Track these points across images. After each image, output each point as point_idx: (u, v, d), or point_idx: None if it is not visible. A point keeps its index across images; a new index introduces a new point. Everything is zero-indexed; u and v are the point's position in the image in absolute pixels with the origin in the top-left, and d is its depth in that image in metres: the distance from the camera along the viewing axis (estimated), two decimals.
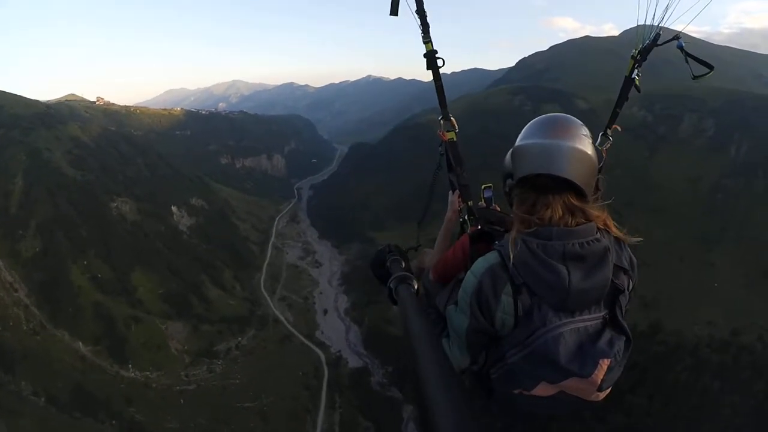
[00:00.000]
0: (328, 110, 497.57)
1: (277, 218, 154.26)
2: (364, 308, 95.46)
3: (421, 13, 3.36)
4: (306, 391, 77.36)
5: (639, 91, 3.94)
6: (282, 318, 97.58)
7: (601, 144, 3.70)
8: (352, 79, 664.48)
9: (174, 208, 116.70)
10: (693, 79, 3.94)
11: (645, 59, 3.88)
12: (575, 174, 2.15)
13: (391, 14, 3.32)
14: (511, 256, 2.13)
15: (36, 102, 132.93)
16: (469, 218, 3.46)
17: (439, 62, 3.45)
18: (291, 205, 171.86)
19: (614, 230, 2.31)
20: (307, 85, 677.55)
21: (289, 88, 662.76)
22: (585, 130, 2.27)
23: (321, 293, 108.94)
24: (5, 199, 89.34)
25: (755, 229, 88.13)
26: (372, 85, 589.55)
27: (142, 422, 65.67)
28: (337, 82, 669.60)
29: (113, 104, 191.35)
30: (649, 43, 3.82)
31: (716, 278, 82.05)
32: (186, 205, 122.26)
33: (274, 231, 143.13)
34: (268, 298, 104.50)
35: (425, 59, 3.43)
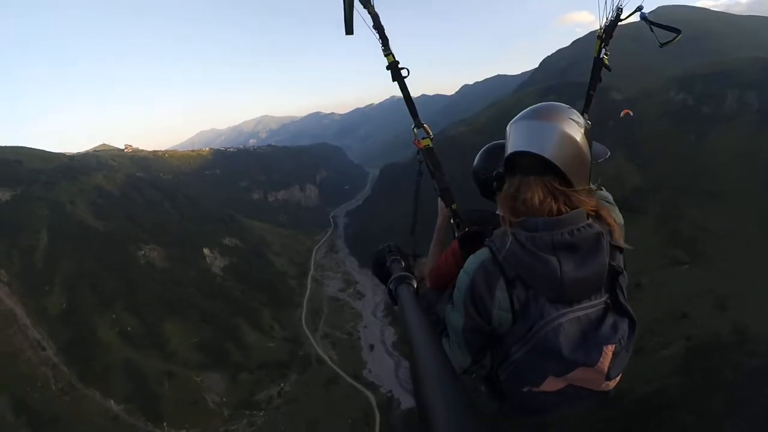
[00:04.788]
0: (356, 135, 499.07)
1: (315, 249, 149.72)
2: None
3: (378, 27, 3.19)
4: None
5: (609, 70, 3.78)
6: (326, 357, 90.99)
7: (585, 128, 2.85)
8: (376, 101, 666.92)
9: (206, 251, 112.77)
10: (660, 46, 3.97)
11: (611, 37, 3.73)
12: (557, 155, 2.12)
13: (346, 34, 3.21)
14: (501, 250, 2.11)
15: (58, 155, 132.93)
16: (454, 221, 3.27)
17: (404, 72, 3.27)
18: (328, 234, 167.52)
19: (608, 218, 2.24)
20: (332, 113, 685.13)
21: (316, 117, 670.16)
22: (574, 116, 2.22)
23: (365, 327, 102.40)
24: (30, 255, 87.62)
25: None
26: (396, 106, 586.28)
27: None
28: (362, 106, 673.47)
29: (141, 150, 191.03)
30: (612, 20, 3.65)
31: None
32: (218, 245, 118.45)
33: (312, 263, 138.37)
34: (310, 337, 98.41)
35: (389, 71, 3.27)
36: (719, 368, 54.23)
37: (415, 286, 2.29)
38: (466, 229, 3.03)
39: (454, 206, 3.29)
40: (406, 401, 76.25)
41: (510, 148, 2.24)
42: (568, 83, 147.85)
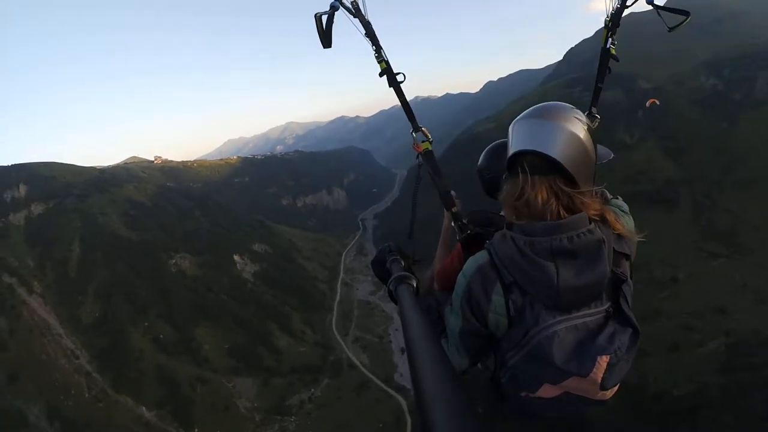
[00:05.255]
0: (382, 137, 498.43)
1: (344, 253, 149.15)
2: None
3: (371, 35, 3.27)
4: None
5: (617, 60, 3.66)
6: (357, 362, 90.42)
7: (589, 126, 2.75)
8: None
9: (236, 257, 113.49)
10: (669, 31, 3.61)
11: (618, 25, 3.59)
12: (562, 155, 2.09)
13: (324, 47, 3.25)
14: (500, 254, 2.09)
15: (89, 168, 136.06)
16: (456, 224, 3.35)
17: (400, 77, 3.36)
18: (357, 237, 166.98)
19: (614, 223, 2.20)
20: (357, 116, 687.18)
21: (341, 121, 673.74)
22: (579, 115, 2.20)
23: (397, 330, 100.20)
24: (63, 266, 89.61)
25: None
26: (421, 105, 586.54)
27: None
28: (387, 108, 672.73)
29: (170, 161, 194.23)
30: (619, 7, 3.52)
31: None
32: (249, 251, 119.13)
33: (342, 267, 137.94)
34: (341, 341, 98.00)
35: (384, 77, 3.35)
36: (760, 366, 51.88)
37: (415, 285, 2.19)
38: (469, 231, 2.98)
39: (454, 209, 3.34)
40: None
41: (513, 147, 2.19)
42: (593, 74, 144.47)
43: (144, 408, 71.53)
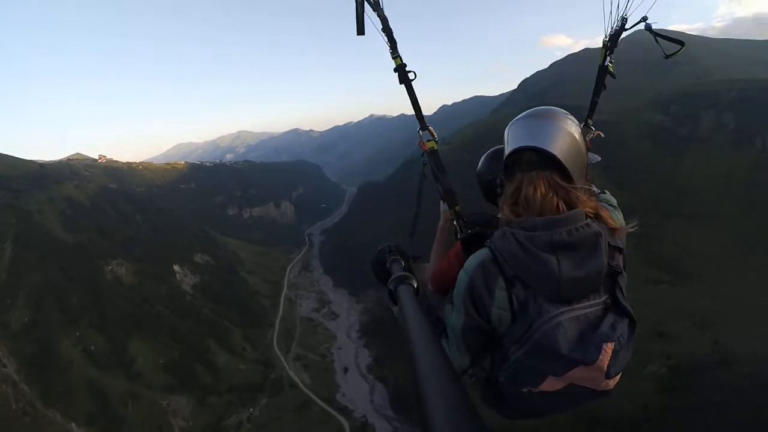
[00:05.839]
0: (334, 153, 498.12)
1: (289, 268, 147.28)
2: (389, 363, 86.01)
3: (387, 30, 3.31)
4: None
5: (614, 77, 3.99)
6: (298, 381, 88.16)
7: (584, 133, 3.06)
8: (356, 120, 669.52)
9: (176, 267, 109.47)
10: (665, 58, 4.08)
11: (616, 45, 3.93)
12: (559, 151, 2.21)
13: (358, 34, 3.34)
14: (501, 250, 2.14)
15: (29, 162, 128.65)
16: (458, 223, 3.34)
17: (411, 75, 3.34)
18: (303, 252, 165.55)
19: (608, 219, 2.29)
20: (311, 130, 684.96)
21: (294, 134, 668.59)
22: (571, 117, 2.37)
23: (340, 348, 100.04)
24: None
25: None
26: (375, 124, 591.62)
27: None
28: (341, 124, 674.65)
29: (115, 161, 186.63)
30: (618, 29, 3.86)
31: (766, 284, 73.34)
32: (189, 262, 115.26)
33: (286, 282, 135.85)
34: (282, 359, 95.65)
35: (396, 73, 3.33)
36: (701, 388, 54.35)
37: (415, 286, 2.30)
38: (469, 231, 3.01)
39: (457, 208, 3.32)
40: (381, 427, 74.20)
41: (510, 146, 2.32)
42: (547, 105, 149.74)
43: (74, 424, 66.67)
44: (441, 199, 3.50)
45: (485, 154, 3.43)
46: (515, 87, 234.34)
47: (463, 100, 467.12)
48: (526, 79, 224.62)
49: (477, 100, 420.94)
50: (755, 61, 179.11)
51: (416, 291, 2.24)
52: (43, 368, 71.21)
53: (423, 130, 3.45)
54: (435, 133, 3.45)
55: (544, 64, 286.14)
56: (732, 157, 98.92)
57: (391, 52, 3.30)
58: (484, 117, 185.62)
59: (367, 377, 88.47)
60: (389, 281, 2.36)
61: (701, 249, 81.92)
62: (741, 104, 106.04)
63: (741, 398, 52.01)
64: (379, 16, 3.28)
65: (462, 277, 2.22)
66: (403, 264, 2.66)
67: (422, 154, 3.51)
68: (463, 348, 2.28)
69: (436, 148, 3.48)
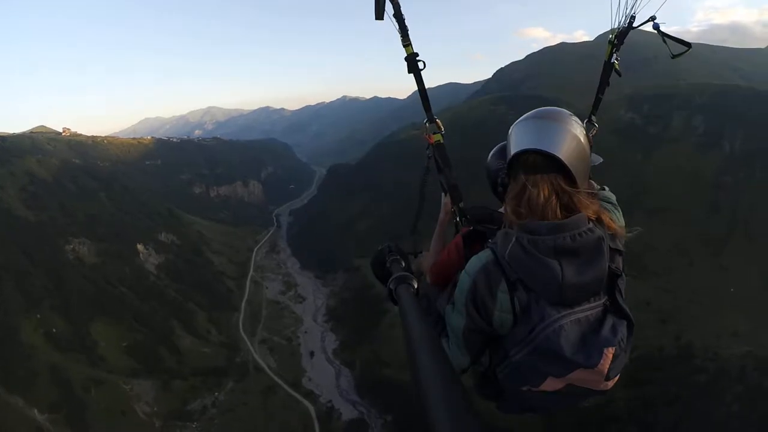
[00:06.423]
0: (305, 133, 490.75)
1: (255, 249, 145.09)
2: (355, 348, 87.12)
3: (398, 16, 3.31)
4: None
5: (620, 75, 3.95)
6: (264, 365, 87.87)
7: (587, 131, 3.03)
8: (328, 100, 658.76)
9: (140, 247, 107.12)
10: (672, 57, 4.02)
11: (622, 43, 3.88)
12: (564, 154, 2.20)
13: (376, 19, 3.30)
14: (504, 253, 2.16)
15: None
16: (460, 219, 3.42)
17: (420, 65, 3.38)
18: (270, 233, 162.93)
19: (609, 223, 2.31)
20: (282, 109, 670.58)
21: (265, 112, 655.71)
22: (576, 119, 2.40)
23: (306, 332, 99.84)
24: None
25: (763, 224, 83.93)
26: (348, 106, 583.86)
27: None
28: (313, 104, 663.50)
29: (80, 135, 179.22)
30: (625, 27, 3.80)
31: (730, 282, 77.07)
32: (154, 241, 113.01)
33: (252, 264, 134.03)
34: (247, 342, 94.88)
35: (406, 62, 3.37)
36: (664, 381, 56.27)
37: (416, 286, 2.34)
38: (471, 226, 2.95)
39: (461, 203, 3.40)
40: (347, 412, 75.01)
41: (515, 147, 2.31)
42: (520, 95, 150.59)
43: (36, 410, 64.30)
44: (443, 192, 3.56)
45: (496, 147, 3.33)
46: (490, 76, 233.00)
47: (438, 86, 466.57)
48: (501, 68, 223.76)
49: (451, 87, 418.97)
50: (728, 67, 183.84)
51: (416, 291, 2.29)
52: (3, 353, 68.64)
53: (430, 123, 3.52)
54: (442, 126, 3.52)
55: (520, 56, 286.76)
56: (700, 158, 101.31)
57: (402, 40, 3.31)
58: (457, 104, 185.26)
59: (333, 362, 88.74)
60: (389, 281, 2.40)
61: (666, 245, 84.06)
62: (712, 108, 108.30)
63: (704, 394, 54.35)
64: (391, 1, 3.29)
65: (464, 278, 2.24)
66: (403, 264, 2.71)
67: (427, 147, 3.55)
68: (463, 348, 2.32)
69: (441, 141, 3.55)
